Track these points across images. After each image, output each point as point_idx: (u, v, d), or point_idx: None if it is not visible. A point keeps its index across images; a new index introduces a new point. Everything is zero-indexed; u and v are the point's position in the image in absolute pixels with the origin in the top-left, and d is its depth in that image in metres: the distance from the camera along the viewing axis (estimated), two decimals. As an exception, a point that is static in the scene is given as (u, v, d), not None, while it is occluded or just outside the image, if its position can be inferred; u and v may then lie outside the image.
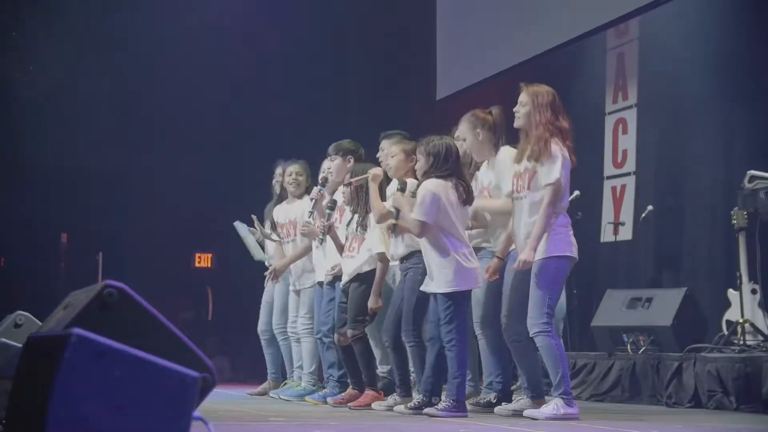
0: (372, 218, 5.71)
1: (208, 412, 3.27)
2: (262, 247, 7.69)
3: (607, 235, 8.57)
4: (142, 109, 10.68)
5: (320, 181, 6.45)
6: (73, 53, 10.14)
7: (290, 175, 7.14)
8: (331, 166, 6.43)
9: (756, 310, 6.43)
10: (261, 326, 7.53)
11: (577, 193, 8.02)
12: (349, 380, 6.18)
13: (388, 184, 5.73)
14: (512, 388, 5.58)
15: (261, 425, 4.59)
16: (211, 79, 10.66)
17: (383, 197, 5.61)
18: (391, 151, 5.71)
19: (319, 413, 5.55)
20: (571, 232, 5.01)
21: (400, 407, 5.37)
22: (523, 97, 5.05)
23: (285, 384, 7.24)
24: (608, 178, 8.85)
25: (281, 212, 7.23)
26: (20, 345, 2.92)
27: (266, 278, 7.32)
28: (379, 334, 5.90)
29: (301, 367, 7.02)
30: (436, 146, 5.17)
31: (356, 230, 5.93)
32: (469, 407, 5.22)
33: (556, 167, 4.84)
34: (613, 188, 8.76)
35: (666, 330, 6.63)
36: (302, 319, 7.00)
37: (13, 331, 3.41)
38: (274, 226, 7.28)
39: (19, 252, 10.22)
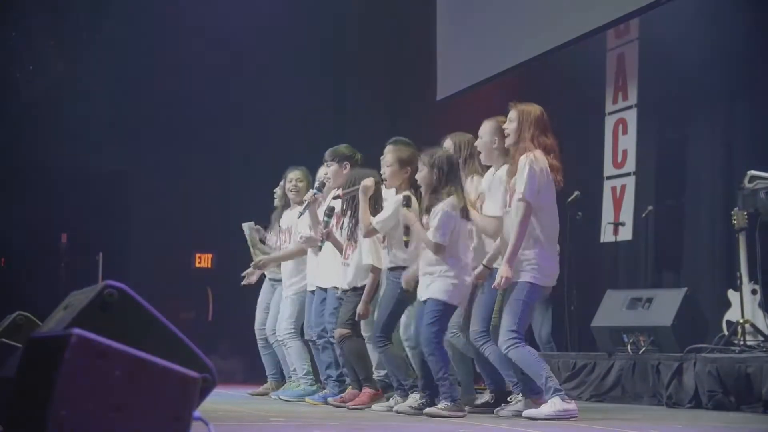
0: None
1: (209, 412, 3.27)
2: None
3: (607, 236, 8.57)
4: (143, 109, 10.68)
5: (317, 186, 6.46)
6: (73, 53, 10.14)
7: (290, 182, 7.17)
8: (327, 171, 6.43)
9: (756, 310, 6.43)
10: (257, 326, 7.55)
11: (577, 193, 8.05)
12: (347, 380, 6.20)
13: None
14: (509, 389, 5.60)
15: (261, 426, 4.58)
16: (212, 79, 10.66)
17: (379, 206, 5.66)
18: (386, 159, 5.70)
19: (319, 413, 5.55)
20: (549, 262, 5.01)
21: (400, 407, 5.38)
22: (512, 114, 5.10)
23: (286, 385, 7.25)
24: (608, 178, 8.85)
25: (284, 219, 7.27)
26: (20, 345, 2.92)
27: (249, 268, 7.42)
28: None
29: (295, 371, 7.04)
30: (441, 159, 5.20)
31: (348, 238, 5.97)
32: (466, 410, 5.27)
33: (524, 183, 4.88)
34: (613, 188, 8.76)
35: (666, 330, 6.63)
36: (284, 324, 7.03)
37: (13, 331, 3.41)
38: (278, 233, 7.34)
39: (20, 252, 10.22)
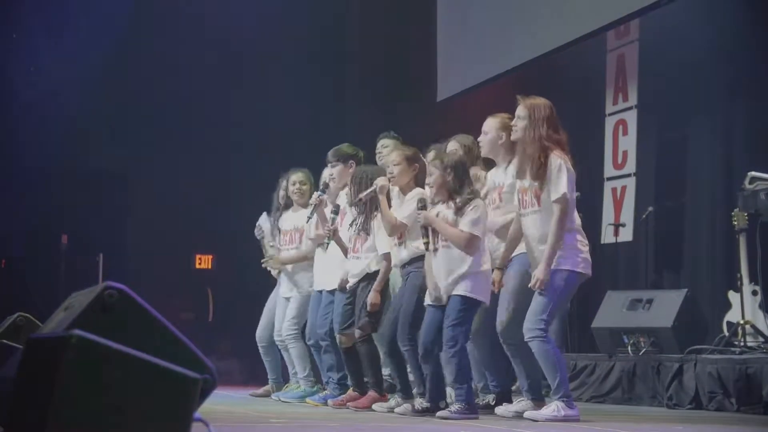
0: (375, 223, 5.77)
1: (209, 413, 3.27)
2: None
3: (607, 237, 8.57)
4: (143, 110, 10.67)
5: (321, 187, 6.47)
6: (74, 54, 10.13)
7: (294, 184, 7.15)
8: (333, 172, 6.43)
9: (757, 311, 6.43)
10: (259, 332, 7.50)
11: (577, 194, 8.02)
12: (349, 382, 6.17)
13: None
14: (512, 388, 5.60)
15: (262, 427, 4.58)
16: (212, 79, 10.66)
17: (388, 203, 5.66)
18: (392, 159, 5.70)
19: (320, 415, 5.55)
20: (586, 248, 5.02)
21: (401, 408, 5.37)
22: (520, 111, 5.06)
23: (287, 387, 7.24)
24: (608, 179, 8.85)
25: (286, 220, 7.25)
26: (21, 346, 2.91)
27: (265, 265, 7.37)
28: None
29: (296, 372, 7.04)
30: (453, 161, 5.21)
31: (358, 232, 5.94)
32: None
33: (561, 183, 4.86)
34: (614, 189, 8.75)
35: (666, 331, 6.63)
36: (287, 324, 7.02)
37: (13, 332, 3.41)
38: (277, 234, 7.32)
39: (20, 253, 10.22)
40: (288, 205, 7.30)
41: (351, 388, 6.11)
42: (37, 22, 10.29)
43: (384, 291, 5.84)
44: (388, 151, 6.09)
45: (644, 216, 8.19)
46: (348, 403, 5.92)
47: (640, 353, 6.61)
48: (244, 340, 8.30)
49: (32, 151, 10.06)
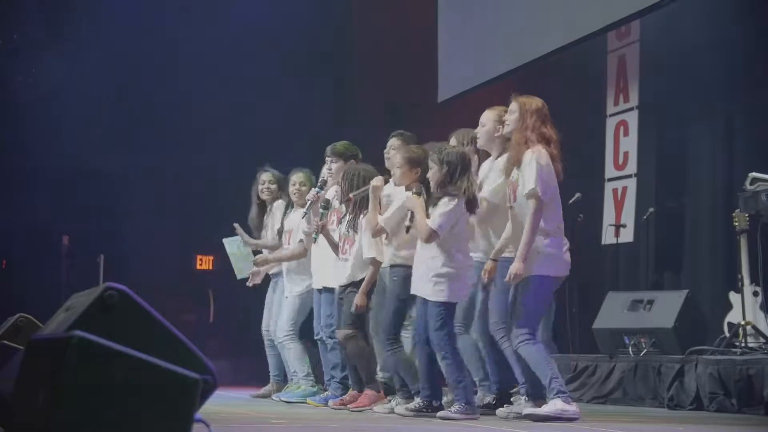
0: (362, 223, 5.79)
1: (210, 414, 3.27)
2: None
3: (608, 238, 8.57)
4: (144, 111, 10.67)
5: (318, 184, 6.48)
6: (75, 55, 10.13)
7: (294, 185, 7.17)
8: (331, 167, 6.44)
9: (757, 312, 6.42)
10: (264, 327, 7.54)
11: (578, 195, 8.03)
12: (350, 382, 6.19)
13: (386, 182, 5.77)
14: (512, 390, 5.60)
15: (262, 427, 4.58)
16: (213, 80, 10.65)
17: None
18: (395, 160, 5.70)
19: (320, 415, 5.55)
20: (564, 249, 5.02)
21: (401, 408, 5.38)
22: (512, 105, 5.14)
23: (287, 387, 7.25)
24: (609, 180, 8.85)
25: (288, 220, 7.26)
26: (22, 347, 2.92)
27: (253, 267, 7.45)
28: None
29: (295, 372, 7.04)
30: (450, 155, 5.21)
31: (347, 231, 5.96)
32: None
33: (530, 177, 4.88)
34: (615, 190, 8.75)
35: (667, 332, 6.63)
36: (283, 325, 7.03)
37: (14, 333, 3.41)
38: (280, 234, 7.34)
39: (21, 254, 10.22)
40: (265, 204, 7.44)
41: (351, 389, 6.13)
42: (38, 22, 10.29)
43: (370, 293, 5.88)
44: (394, 153, 6.09)
45: (645, 217, 8.19)
46: (348, 406, 5.92)
47: (641, 354, 6.61)
48: (245, 341, 8.31)
49: (33, 152, 10.06)
